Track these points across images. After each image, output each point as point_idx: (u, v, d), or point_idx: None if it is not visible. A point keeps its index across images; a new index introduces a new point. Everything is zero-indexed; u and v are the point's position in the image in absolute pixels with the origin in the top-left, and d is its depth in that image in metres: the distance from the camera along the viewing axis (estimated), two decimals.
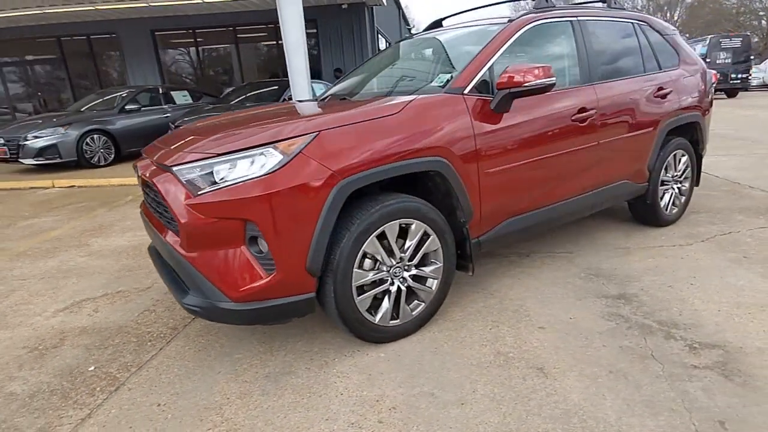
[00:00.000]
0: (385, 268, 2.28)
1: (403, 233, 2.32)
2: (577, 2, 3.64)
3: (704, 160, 4.11)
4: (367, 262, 2.24)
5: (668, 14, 39.96)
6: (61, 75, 12.58)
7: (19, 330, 2.75)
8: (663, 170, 3.57)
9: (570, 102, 2.87)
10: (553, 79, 2.44)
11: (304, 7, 11.00)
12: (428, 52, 3.43)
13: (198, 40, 12.14)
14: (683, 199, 3.85)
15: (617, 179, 3.27)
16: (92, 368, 2.31)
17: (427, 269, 2.43)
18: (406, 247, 2.32)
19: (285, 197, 1.96)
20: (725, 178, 5.23)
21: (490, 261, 3.34)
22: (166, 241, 2.20)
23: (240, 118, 2.72)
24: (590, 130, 2.97)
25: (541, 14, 2.96)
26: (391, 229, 2.23)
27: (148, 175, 2.27)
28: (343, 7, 11.06)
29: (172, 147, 2.32)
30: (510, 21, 2.87)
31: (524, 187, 2.73)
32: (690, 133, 3.82)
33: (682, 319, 2.43)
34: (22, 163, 8.08)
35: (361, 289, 2.23)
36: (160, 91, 9.52)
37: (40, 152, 7.84)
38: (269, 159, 1.99)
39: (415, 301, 2.45)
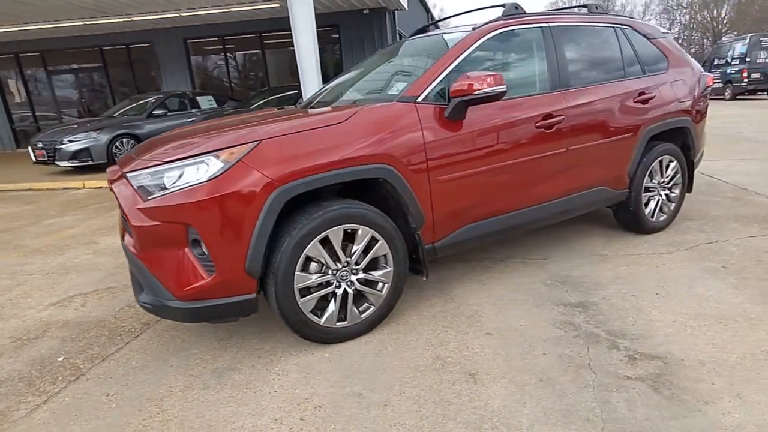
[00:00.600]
0: (330, 272, 2.34)
1: (351, 238, 2.37)
2: (560, 8, 3.58)
3: (716, 165, 3.96)
4: (313, 266, 2.31)
5: (715, 12, 38.14)
6: (102, 82, 13.29)
7: (10, 321, 2.97)
8: (647, 176, 3.47)
9: (534, 109, 2.85)
10: (504, 87, 2.44)
11: (326, 13, 11.25)
12: (402, 59, 3.46)
13: (227, 46, 12.55)
14: (672, 206, 3.72)
15: (592, 186, 3.21)
16: (61, 359, 2.48)
17: (377, 273, 2.47)
18: (353, 251, 2.37)
19: (222, 203, 2.05)
20: (734, 183, 5.00)
21: (461, 265, 3.34)
22: (125, 243, 2.34)
23: (203, 127, 2.84)
24: (558, 136, 2.93)
25: (509, 21, 2.95)
26: (335, 234, 2.29)
27: (110, 181, 2.42)
28: (365, 12, 11.17)
29: (135, 155, 2.46)
30: (474, 29, 2.88)
31: (483, 194, 2.73)
32: (679, 139, 3.69)
33: (634, 329, 2.38)
34: (59, 166, 8.58)
35: (306, 291, 2.30)
36: (187, 96, 9.91)
37: (74, 155, 8.32)
38: (211, 167, 2.10)
39: (365, 304, 2.50)
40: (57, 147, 8.33)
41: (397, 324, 2.60)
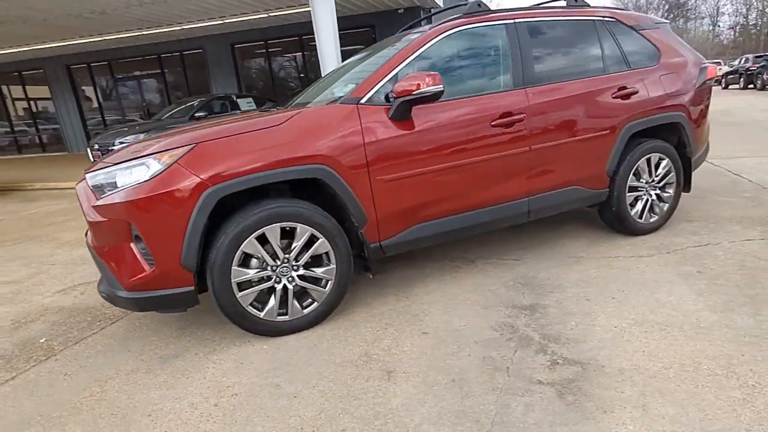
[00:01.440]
0: (269, 268, 2.44)
1: (292, 235, 2.45)
2: (539, 3, 3.44)
3: (748, 162, 3.67)
4: (254, 261, 2.41)
5: None
6: (160, 87, 14.20)
7: (18, 305, 3.31)
8: (631, 175, 3.29)
9: (491, 107, 2.79)
10: (441, 87, 2.42)
11: (362, 14, 11.37)
12: (377, 58, 3.48)
13: (270, 50, 12.99)
14: (665, 206, 3.50)
15: (563, 185, 3.09)
16: (43, 340, 2.75)
17: (319, 270, 2.53)
18: (292, 248, 2.45)
19: (157, 201, 2.20)
20: (758, 182, 4.59)
21: (431, 265, 3.33)
22: (87, 238, 2.56)
23: (179, 130, 3.02)
24: (518, 135, 2.85)
25: (468, 20, 2.91)
26: (272, 231, 2.38)
27: (78, 181, 2.64)
28: (399, 11, 11.18)
29: (103, 159, 2.67)
30: (430, 28, 2.86)
31: (433, 193, 2.71)
32: (673, 135, 3.46)
33: (571, 333, 2.29)
34: None
35: (246, 285, 2.41)
36: (229, 99, 10.38)
37: None
38: (150, 168, 2.25)
39: (309, 300, 2.57)
40: (110, 148, 9.01)
41: (343, 320, 2.65)
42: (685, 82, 3.40)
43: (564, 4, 3.36)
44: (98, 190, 2.34)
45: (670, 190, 3.50)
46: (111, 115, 15.15)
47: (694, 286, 2.64)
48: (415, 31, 3.12)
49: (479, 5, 3.02)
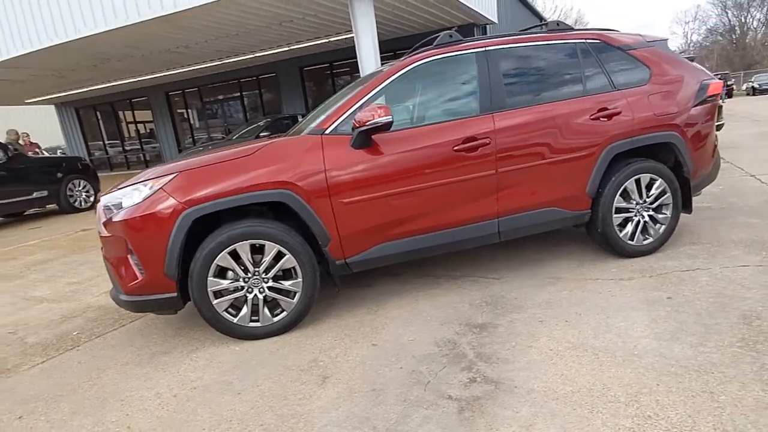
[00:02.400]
0: (241, 279, 2.74)
1: (262, 251, 2.74)
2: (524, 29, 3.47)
3: None
4: (229, 273, 2.73)
5: None
6: (239, 108, 15.47)
7: (71, 303, 3.92)
8: (618, 196, 3.20)
9: (454, 133, 2.90)
10: (389, 117, 2.60)
11: (416, 34, 11.64)
12: (352, 90, 3.69)
13: (334, 71, 13.68)
14: (661, 228, 3.34)
15: (537, 206, 3.10)
16: (75, 333, 3.27)
17: (287, 283, 2.80)
18: (261, 262, 2.74)
19: (145, 221, 2.60)
20: None
21: (415, 281, 3.46)
22: (102, 250, 3.03)
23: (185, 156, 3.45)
24: (483, 159, 2.93)
25: (435, 51, 3.05)
26: (242, 247, 2.69)
27: (95, 202, 3.14)
28: (453, 30, 11.31)
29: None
30: (398, 61, 3.04)
31: (394, 214, 2.87)
32: (669, 155, 3.32)
33: (505, 353, 2.34)
34: None
35: (221, 294, 2.73)
36: (293, 119, 11.10)
37: None
38: (142, 193, 2.66)
39: (279, 309, 2.84)
40: None
41: (311, 328, 2.89)
42: (679, 101, 3.25)
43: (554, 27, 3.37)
44: (107, 210, 2.79)
45: (666, 212, 3.34)
46: (200, 135, 16.72)
47: (653, 312, 2.54)
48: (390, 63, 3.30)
49: (450, 36, 3.15)
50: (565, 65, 3.21)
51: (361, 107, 2.86)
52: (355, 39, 7.54)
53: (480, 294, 3.09)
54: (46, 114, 21.40)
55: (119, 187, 2.83)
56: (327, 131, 2.82)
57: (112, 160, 19.39)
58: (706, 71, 3.51)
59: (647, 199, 3.29)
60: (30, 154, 12.16)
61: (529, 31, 3.39)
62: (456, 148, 2.89)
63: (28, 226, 8.44)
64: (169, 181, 2.64)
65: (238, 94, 15.37)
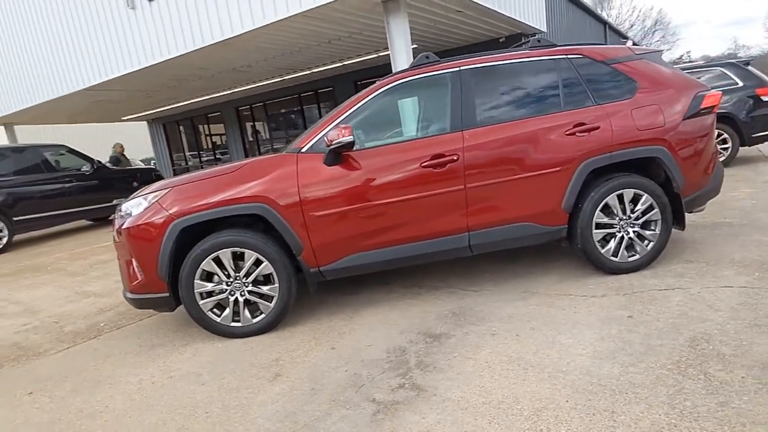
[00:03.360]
0: (225, 283, 3.03)
1: (242, 258, 3.02)
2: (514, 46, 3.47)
3: None
4: (215, 277, 3.03)
5: None
6: (299, 122, 16.25)
7: (111, 298, 4.45)
8: (598, 212, 3.14)
9: (423, 150, 3.02)
10: (350, 138, 2.79)
11: (464, 46, 11.63)
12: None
13: None
14: (649, 244, 3.21)
15: (510, 221, 3.11)
16: (102, 324, 3.74)
17: (265, 288, 3.05)
18: (241, 268, 3.01)
19: (142, 229, 2.97)
20: None
21: (399, 290, 3.57)
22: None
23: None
24: (451, 175, 3.01)
25: (409, 72, 3.18)
26: (225, 254, 2.97)
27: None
28: (501, 41, 11.16)
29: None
30: (375, 83, 3.20)
31: (365, 227, 3.02)
32: (659, 170, 3.19)
33: (443, 363, 2.41)
34: None
35: (207, 295, 3.03)
36: None
37: None
38: (142, 205, 3.04)
39: (258, 312, 3.09)
40: None
41: (287, 330, 3.11)
42: (667, 115, 3.13)
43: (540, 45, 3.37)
44: (120, 218, 3.21)
45: (655, 228, 3.20)
46: (264, 147, 17.75)
47: (605, 331, 2.49)
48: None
49: (427, 57, 3.26)
50: (541, 82, 3.21)
51: (335, 127, 3.06)
52: (390, 56, 7.76)
53: (451, 305, 3.15)
54: (137, 128, 23.68)
55: (132, 197, 3.24)
56: (303, 150, 3.04)
57: (191, 169, 21.09)
58: (702, 83, 3.33)
59: (632, 215, 3.18)
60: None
61: (512, 48, 3.41)
62: (424, 164, 3.00)
63: (107, 230, 9.49)
64: (164, 195, 2.99)
65: (299, 107, 16.16)
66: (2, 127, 16.07)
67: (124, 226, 3.06)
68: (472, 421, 1.90)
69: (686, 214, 3.31)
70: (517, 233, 3.15)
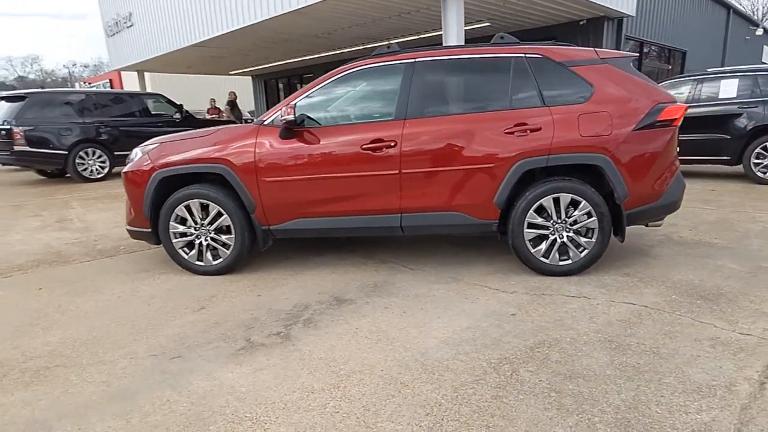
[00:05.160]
0: (192, 228, 3.56)
1: (207, 209, 3.51)
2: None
3: None
4: (187, 222, 3.58)
5: None
6: None
7: None
8: (532, 212, 3.16)
9: (364, 134, 3.23)
10: (292, 117, 3.09)
11: (542, 27, 11.08)
12: None
13: None
14: (583, 251, 3.17)
15: (440, 209, 3.25)
16: (121, 247, 4.51)
17: (224, 237, 3.53)
18: (206, 218, 3.51)
19: (133, 175, 3.57)
20: None
21: (352, 258, 3.87)
22: None
23: None
24: (387, 159, 3.20)
25: (370, 60, 3.36)
26: (194, 204, 3.48)
27: None
28: (581, 23, 10.38)
29: None
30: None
31: (307, 196, 3.34)
32: (597, 177, 3.11)
33: (325, 323, 2.71)
34: None
35: (179, 236, 3.59)
36: None
37: None
38: (138, 155, 3.64)
39: (218, 256, 3.59)
40: None
41: (240, 275, 3.57)
42: (615, 123, 3.01)
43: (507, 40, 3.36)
44: (127, 163, 3.85)
45: (591, 236, 3.15)
46: None
47: (480, 322, 2.62)
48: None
49: (388, 47, 3.40)
50: (493, 79, 3.22)
51: (295, 105, 3.37)
52: (443, 36, 7.73)
53: (381, 278, 3.40)
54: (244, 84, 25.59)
55: (137, 147, 3.86)
56: (265, 122, 3.41)
57: None
58: (669, 95, 3.10)
59: (567, 219, 3.15)
60: (209, 116, 15.12)
61: (475, 44, 3.42)
62: (364, 146, 3.22)
63: None
64: (153, 149, 3.56)
65: None
66: (135, 73, 18.50)
67: (124, 170, 3.70)
68: (298, 368, 2.22)
69: (652, 225, 3.22)
70: (447, 221, 3.28)
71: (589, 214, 3.11)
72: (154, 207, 3.56)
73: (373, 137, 3.21)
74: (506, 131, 3.10)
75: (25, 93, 9.61)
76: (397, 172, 3.21)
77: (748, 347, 2.22)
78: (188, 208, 3.50)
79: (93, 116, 9.63)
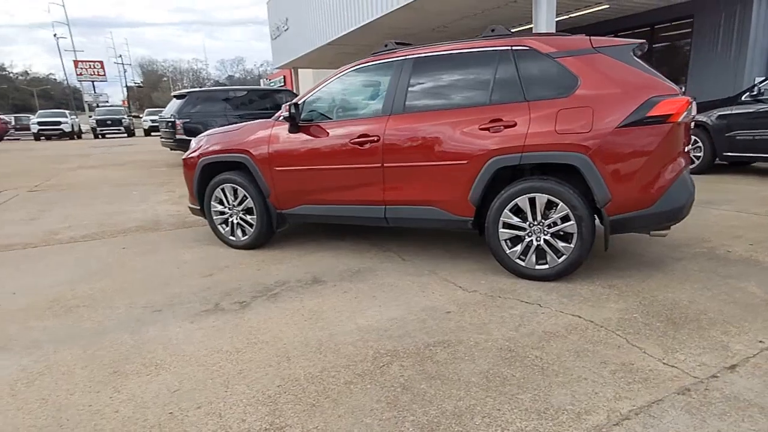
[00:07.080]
0: (227, 208, 4.14)
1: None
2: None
3: None
4: (224, 201, 4.18)
5: None
6: None
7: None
8: (507, 211, 3.00)
9: (353, 129, 3.40)
10: (287, 113, 3.40)
11: (678, 4, 9.57)
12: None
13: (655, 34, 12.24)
14: (561, 257, 2.90)
15: (419, 203, 3.26)
16: (172, 222, 5.38)
17: (249, 217, 4.04)
18: (237, 200, 4.06)
19: (188, 161, 4.28)
20: None
21: (359, 246, 4.07)
22: None
23: None
24: (371, 153, 3.33)
25: (368, 59, 3.48)
26: (229, 188, 4.05)
27: None
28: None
29: None
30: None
31: (309, 185, 3.65)
32: (578, 177, 2.80)
33: (283, 297, 3.00)
34: None
35: (216, 214, 4.21)
36: None
37: None
38: (192, 145, 4.34)
39: (244, 234, 4.12)
40: None
41: (260, 251, 4.05)
42: (597, 119, 2.67)
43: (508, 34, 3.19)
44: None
45: (570, 241, 2.86)
46: None
47: (407, 315, 2.63)
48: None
49: (386, 45, 3.47)
50: (476, 74, 3.08)
51: (304, 102, 3.68)
52: (533, 23, 7.24)
53: (368, 264, 3.55)
54: None
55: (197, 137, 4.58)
56: (280, 118, 3.79)
57: None
58: (670, 87, 2.60)
59: (544, 221, 2.91)
60: None
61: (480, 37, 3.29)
62: (353, 141, 3.39)
63: None
64: (202, 140, 4.22)
65: None
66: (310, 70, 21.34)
67: (182, 157, 4.45)
68: (227, 332, 2.53)
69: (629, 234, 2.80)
70: (425, 215, 3.27)
71: (566, 218, 2.83)
72: (201, 188, 4.23)
73: (361, 132, 3.36)
74: (481, 127, 2.97)
75: (186, 92, 11.67)
76: (380, 165, 3.32)
77: (657, 379, 1.88)
78: (223, 191, 4.09)
79: (236, 110, 11.28)
